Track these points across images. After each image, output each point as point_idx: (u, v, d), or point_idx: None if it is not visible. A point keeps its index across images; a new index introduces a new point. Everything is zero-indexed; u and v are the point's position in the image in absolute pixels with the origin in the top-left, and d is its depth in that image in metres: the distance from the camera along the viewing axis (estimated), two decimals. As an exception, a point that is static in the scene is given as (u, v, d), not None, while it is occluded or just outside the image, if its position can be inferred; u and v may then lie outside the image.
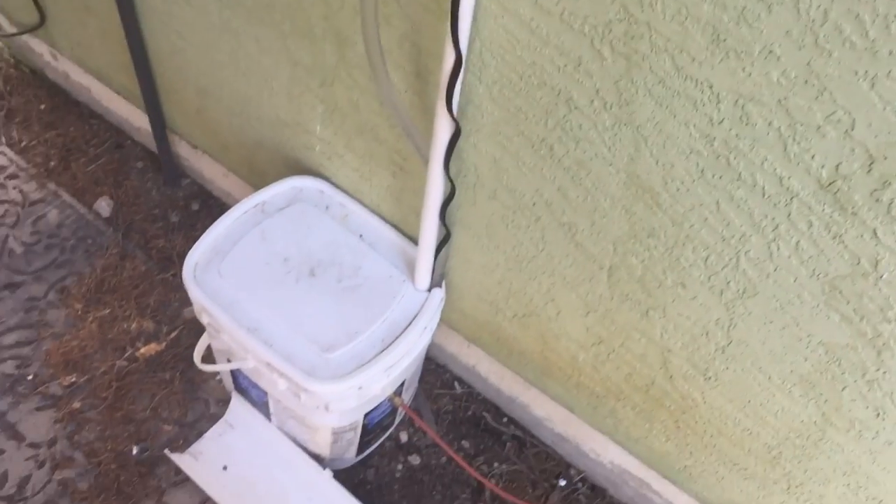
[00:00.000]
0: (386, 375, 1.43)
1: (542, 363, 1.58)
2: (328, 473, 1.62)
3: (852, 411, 1.12)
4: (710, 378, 1.28)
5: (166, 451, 1.63)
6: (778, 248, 1.02)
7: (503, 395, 1.80)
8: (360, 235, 1.55)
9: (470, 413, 1.86)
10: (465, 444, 1.81)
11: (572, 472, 1.80)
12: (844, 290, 1.00)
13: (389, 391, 1.55)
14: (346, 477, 1.73)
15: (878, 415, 1.09)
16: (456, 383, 1.89)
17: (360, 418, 1.54)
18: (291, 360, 1.37)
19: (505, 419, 1.85)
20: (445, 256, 1.47)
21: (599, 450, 1.68)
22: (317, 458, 1.66)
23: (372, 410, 1.55)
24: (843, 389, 1.10)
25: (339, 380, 1.36)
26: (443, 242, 1.41)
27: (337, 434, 1.55)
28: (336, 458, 1.68)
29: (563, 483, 1.78)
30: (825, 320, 1.05)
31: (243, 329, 1.39)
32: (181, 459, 1.63)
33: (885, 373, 1.04)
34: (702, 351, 1.25)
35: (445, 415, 1.85)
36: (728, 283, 1.11)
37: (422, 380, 1.87)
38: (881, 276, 0.95)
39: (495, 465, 1.79)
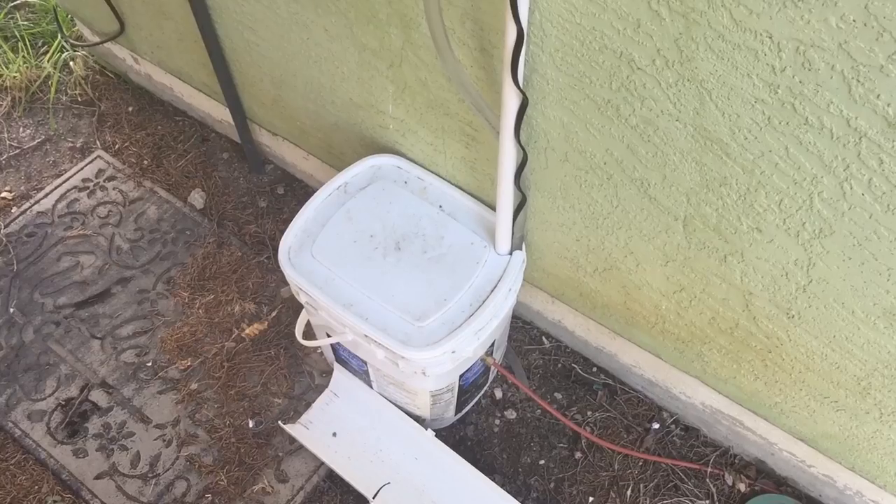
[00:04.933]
0: (476, 338, 1.50)
1: (626, 313, 1.62)
2: (430, 433, 1.71)
3: (939, 339, 1.14)
4: (793, 317, 1.30)
5: (279, 423, 1.75)
6: (851, 188, 1.03)
7: (590, 346, 1.85)
8: (440, 206, 1.61)
9: (560, 366, 1.92)
10: (558, 395, 1.88)
11: (664, 415, 1.85)
12: (921, 223, 1.01)
13: (481, 352, 1.62)
14: (447, 435, 1.83)
15: (966, 341, 1.11)
16: (544, 338, 1.96)
17: (455, 380, 1.62)
18: (387, 330, 1.46)
19: (594, 369, 1.91)
20: (523, 219, 1.52)
21: (689, 392, 1.72)
22: (418, 419, 1.75)
23: (466, 371, 1.63)
24: (927, 319, 1.12)
25: (433, 346, 1.44)
26: (520, 206, 1.46)
27: (435, 396, 1.64)
28: (436, 418, 1.77)
29: (656, 426, 1.83)
30: (904, 253, 1.06)
31: (340, 305, 1.48)
32: (294, 429, 1.75)
33: (968, 300, 1.05)
34: (783, 291, 1.27)
35: (536, 369, 1.92)
36: (803, 224, 1.13)
37: (511, 338, 1.94)
38: (957, 207, 0.96)
39: (588, 413, 1.85)
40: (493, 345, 1.67)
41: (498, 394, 1.89)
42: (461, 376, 1.63)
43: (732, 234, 1.25)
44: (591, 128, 1.26)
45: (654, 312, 1.56)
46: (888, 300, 1.14)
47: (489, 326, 1.52)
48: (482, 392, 1.88)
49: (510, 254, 1.55)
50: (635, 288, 1.53)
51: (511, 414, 1.86)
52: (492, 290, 1.51)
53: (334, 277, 1.51)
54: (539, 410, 1.86)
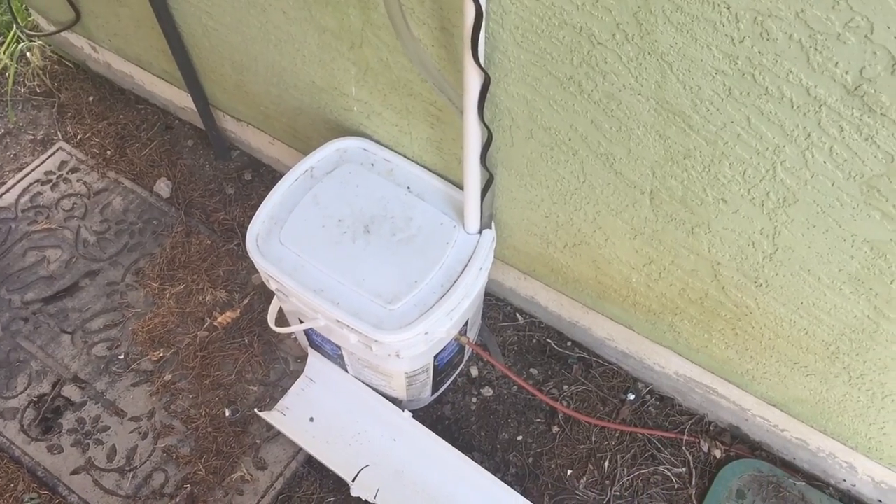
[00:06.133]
0: (449, 318, 1.50)
1: (598, 287, 1.63)
2: (407, 414, 1.72)
3: (903, 302, 1.15)
4: (761, 285, 1.31)
5: (255, 411, 1.74)
6: (812, 156, 1.04)
7: (564, 320, 1.86)
8: (408, 187, 1.60)
9: (534, 341, 1.93)
10: (534, 371, 1.89)
11: (639, 385, 1.86)
12: (882, 189, 1.02)
13: (454, 332, 1.62)
14: (424, 415, 1.83)
15: (929, 303, 1.12)
16: (518, 315, 1.96)
17: (430, 360, 1.62)
18: (359, 315, 1.45)
19: (569, 343, 1.92)
20: (492, 198, 1.52)
21: (663, 362, 1.73)
22: (395, 401, 1.75)
23: (440, 352, 1.63)
24: (891, 283, 1.13)
25: (406, 328, 1.43)
26: (487, 185, 1.46)
27: (410, 377, 1.64)
28: (413, 399, 1.77)
29: (631, 397, 1.85)
30: (867, 219, 1.07)
31: (310, 291, 1.47)
32: (271, 416, 1.74)
33: (930, 263, 1.06)
34: (750, 260, 1.28)
35: (511, 346, 1.93)
36: (768, 193, 1.14)
37: (485, 316, 1.95)
38: (916, 171, 0.97)
39: (564, 387, 1.86)
40: (466, 324, 1.67)
41: (474, 372, 1.89)
42: (436, 357, 1.63)
43: (698, 206, 1.25)
44: (555, 104, 1.25)
45: (624, 285, 1.56)
46: (853, 266, 1.15)
47: (461, 306, 1.52)
48: (458, 371, 1.88)
49: (480, 233, 1.55)
50: (605, 262, 1.54)
51: (487, 391, 1.87)
52: (462, 270, 1.51)
53: (304, 263, 1.50)
54: (515, 387, 1.87)
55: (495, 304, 1.97)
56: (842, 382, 1.40)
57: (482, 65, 1.17)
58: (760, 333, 1.42)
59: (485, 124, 1.29)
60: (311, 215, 1.55)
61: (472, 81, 1.21)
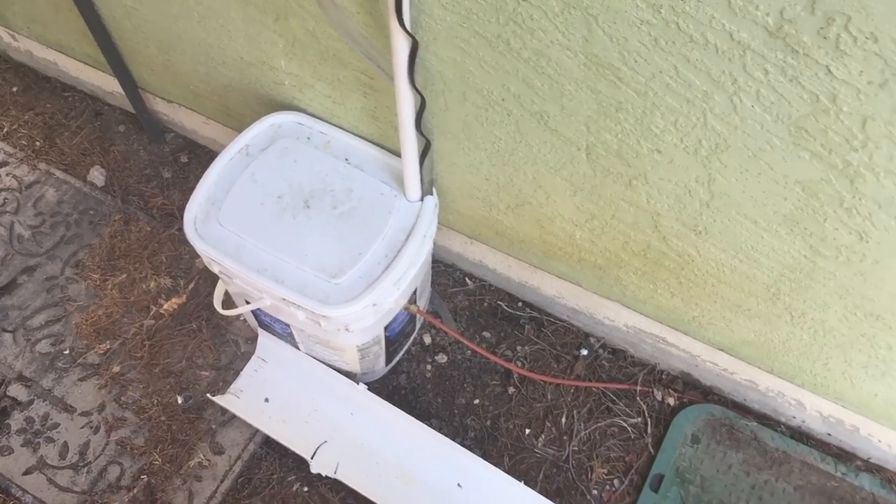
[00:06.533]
0: (396, 288, 1.49)
1: (543, 246, 1.63)
2: (363, 387, 1.71)
3: (837, 239, 1.17)
4: (700, 233, 1.33)
5: (208, 395, 1.72)
6: (740, 100, 1.05)
7: (513, 282, 1.86)
8: (346, 159, 1.58)
9: (486, 304, 1.94)
10: (487, 334, 1.90)
11: (591, 340, 1.88)
12: (809, 129, 1.03)
13: (403, 301, 1.62)
14: (380, 387, 1.83)
15: (862, 238, 1.14)
16: (467, 279, 1.96)
17: (380, 332, 1.62)
18: (304, 291, 1.43)
19: (520, 304, 1.93)
20: (430, 164, 1.50)
21: (612, 316, 1.75)
22: (349, 375, 1.74)
23: (391, 322, 1.62)
24: (825, 221, 1.15)
25: (353, 301, 1.42)
26: (425, 151, 1.44)
27: (362, 350, 1.63)
28: (367, 371, 1.77)
29: (584, 352, 1.87)
30: (797, 160, 1.08)
31: (253, 272, 1.45)
32: (224, 400, 1.72)
33: (860, 199, 1.08)
34: (688, 209, 1.29)
35: (463, 311, 1.93)
36: (700, 141, 1.15)
37: (435, 283, 1.94)
38: (841, 110, 0.98)
39: (518, 348, 1.88)
40: (415, 293, 1.66)
41: (427, 340, 1.89)
42: (386, 328, 1.63)
43: (634, 158, 1.25)
44: (486, 65, 1.24)
45: (569, 242, 1.57)
46: (787, 207, 1.17)
47: (408, 275, 1.51)
48: (411, 340, 1.88)
49: (421, 200, 1.54)
50: (548, 220, 1.54)
51: (442, 358, 1.87)
52: (406, 239, 1.50)
53: (245, 244, 1.47)
54: (469, 352, 1.87)
55: (444, 271, 1.97)
56: (784, 322, 1.43)
57: (409, 29, 1.15)
58: (704, 280, 1.44)
59: (417, 90, 1.27)
60: (250, 194, 1.52)
61: (400, 47, 1.19)
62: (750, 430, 1.75)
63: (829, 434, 1.70)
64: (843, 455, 1.72)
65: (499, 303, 1.93)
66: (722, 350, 1.63)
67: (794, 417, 1.72)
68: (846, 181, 1.07)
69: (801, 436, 1.75)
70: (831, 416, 1.63)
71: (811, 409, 1.65)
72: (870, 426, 1.59)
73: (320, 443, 1.67)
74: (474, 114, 1.36)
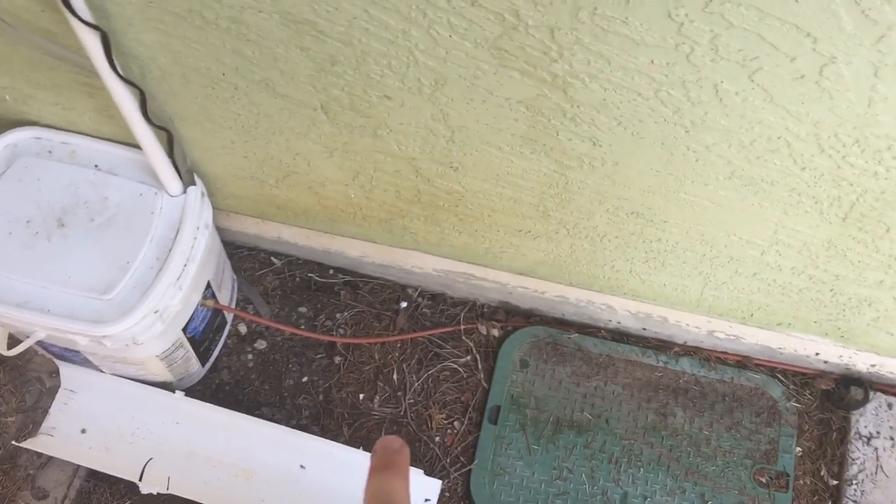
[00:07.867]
0: (178, 289, 1.43)
1: (325, 212, 1.59)
2: (180, 394, 1.64)
3: (574, 149, 1.18)
4: (457, 168, 1.32)
5: (13, 443, 1.61)
6: (437, 32, 1.02)
7: (317, 251, 1.82)
8: (96, 166, 1.48)
9: (297, 280, 1.89)
10: (303, 309, 1.85)
11: (409, 291, 1.87)
12: (508, 48, 1.02)
13: (196, 299, 1.55)
14: (203, 388, 1.77)
15: (595, 144, 1.16)
16: (273, 259, 1.90)
17: (179, 335, 1.55)
18: (74, 315, 1.35)
19: (331, 271, 1.89)
20: (183, 154, 1.42)
21: (419, 263, 1.74)
22: (165, 384, 1.67)
23: (188, 323, 1.56)
24: (557, 134, 1.16)
25: (129, 314, 1.35)
26: (171, 142, 1.37)
27: (165, 358, 1.56)
28: (182, 376, 1.69)
29: (404, 304, 1.86)
30: (510, 80, 1.07)
31: (13, 307, 1.35)
32: (35, 443, 1.62)
33: (578, 106, 1.09)
34: (437, 148, 1.27)
35: (275, 291, 1.87)
36: (419, 79, 1.12)
37: (239, 269, 1.88)
38: (528, 24, 0.97)
39: (337, 315, 1.84)
40: (208, 287, 1.59)
41: (243, 329, 1.83)
42: (185, 329, 1.56)
43: (369, 108, 1.22)
44: (192, 42, 1.17)
45: (347, 203, 1.53)
46: (520, 128, 1.17)
47: (189, 272, 1.44)
48: (225, 333, 1.81)
49: (185, 192, 1.47)
50: (320, 185, 1.49)
51: (261, 344, 1.82)
52: (176, 236, 1.43)
53: (-2, 280, 1.37)
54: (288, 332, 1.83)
55: (248, 255, 1.90)
56: (563, 237, 1.45)
57: (90, 21, 1.07)
58: (479, 213, 1.44)
59: (129, 81, 1.19)
60: (-6, 225, 1.41)
61: (88, 40, 1.10)
62: (573, 343, 1.79)
63: (644, 329, 1.76)
64: (661, 346, 1.79)
65: (310, 275, 1.88)
66: (523, 274, 1.65)
67: (610, 321, 1.76)
68: (560, 92, 1.07)
69: (620, 336, 1.81)
70: (640, 311, 1.68)
71: (620, 309, 1.69)
72: (673, 314, 1.65)
73: (146, 461, 1.60)
74: (204, 94, 1.29)
